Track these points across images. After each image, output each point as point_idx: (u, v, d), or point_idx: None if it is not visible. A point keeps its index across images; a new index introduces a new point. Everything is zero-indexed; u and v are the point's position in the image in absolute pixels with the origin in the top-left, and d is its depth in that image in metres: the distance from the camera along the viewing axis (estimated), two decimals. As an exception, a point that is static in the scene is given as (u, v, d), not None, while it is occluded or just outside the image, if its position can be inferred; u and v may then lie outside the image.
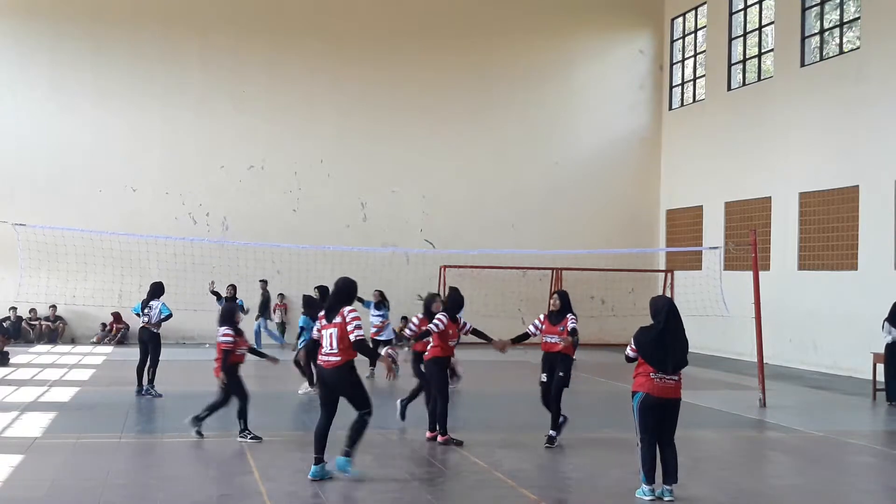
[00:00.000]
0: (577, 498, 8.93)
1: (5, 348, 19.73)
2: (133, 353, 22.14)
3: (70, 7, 25.48)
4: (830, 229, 21.50)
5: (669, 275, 27.26)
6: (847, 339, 20.40)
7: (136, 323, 24.66)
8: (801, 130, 22.56)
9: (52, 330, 24.73)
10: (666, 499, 8.68)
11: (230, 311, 11.67)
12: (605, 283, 26.80)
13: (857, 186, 20.71)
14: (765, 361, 15.91)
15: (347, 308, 9.12)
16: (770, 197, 23.47)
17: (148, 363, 14.90)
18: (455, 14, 27.54)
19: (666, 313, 8.88)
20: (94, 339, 24.85)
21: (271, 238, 24.56)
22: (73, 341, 24.95)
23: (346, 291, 9.36)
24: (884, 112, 20.11)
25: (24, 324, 24.54)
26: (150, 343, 14.95)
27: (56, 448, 10.62)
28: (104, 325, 25.05)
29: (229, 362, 11.27)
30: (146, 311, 14.96)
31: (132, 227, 23.36)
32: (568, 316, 11.09)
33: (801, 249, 22.36)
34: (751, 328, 15.83)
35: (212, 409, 11.32)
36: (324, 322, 9.23)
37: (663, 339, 8.78)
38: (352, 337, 8.99)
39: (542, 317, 11.36)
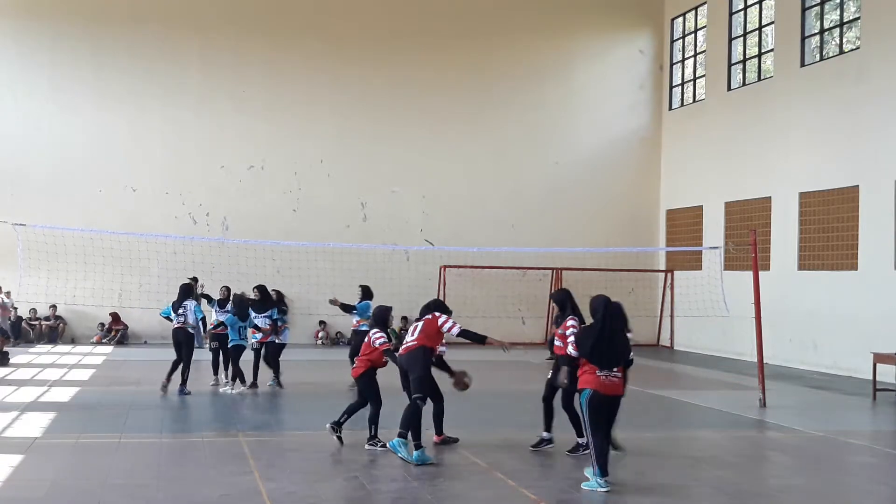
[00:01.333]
0: (577, 498, 8.93)
1: (5, 348, 19.74)
2: (134, 354, 22.27)
3: (70, 7, 25.47)
4: (830, 229, 21.50)
5: (669, 275, 27.28)
6: (847, 339, 20.40)
7: (136, 323, 25.01)
8: (801, 130, 22.56)
9: (52, 330, 24.73)
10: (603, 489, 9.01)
11: (383, 314, 11.23)
12: (605, 283, 26.71)
13: (857, 186, 20.71)
14: (765, 361, 15.91)
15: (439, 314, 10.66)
16: (770, 197, 23.47)
17: (182, 363, 15.29)
18: (455, 14, 27.54)
19: (603, 312, 9.17)
20: (94, 339, 24.85)
21: (271, 238, 24.53)
22: (73, 341, 24.95)
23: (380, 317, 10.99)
24: (884, 112, 20.11)
25: (24, 324, 24.54)
26: (186, 343, 15.31)
27: (56, 448, 10.62)
28: (102, 325, 25.05)
29: (369, 366, 10.91)
30: (180, 311, 15.30)
31: (132, 227, 23.38)
32: (568, 322, 10.44)
33: (801, 249, 22.36)
34: (751, 328, 15.82)
35: (350, 411, 11.00)
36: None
37: (602, 338, 9.09)
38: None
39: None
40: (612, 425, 9.33)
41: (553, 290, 11.03)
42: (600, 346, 9.08)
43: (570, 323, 10.36)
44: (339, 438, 10.89)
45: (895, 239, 19.66)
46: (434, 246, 25.32)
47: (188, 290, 15.66)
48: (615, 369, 9.12)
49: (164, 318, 15.83)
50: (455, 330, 10.58)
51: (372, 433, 10.83)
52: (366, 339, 11.04)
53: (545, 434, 11.07)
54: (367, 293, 16.60)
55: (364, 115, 26.82)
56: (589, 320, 9.57)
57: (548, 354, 22.85)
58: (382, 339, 10.80)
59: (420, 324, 10.71)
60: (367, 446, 10.77)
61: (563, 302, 10.82)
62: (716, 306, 20.51)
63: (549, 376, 10.98)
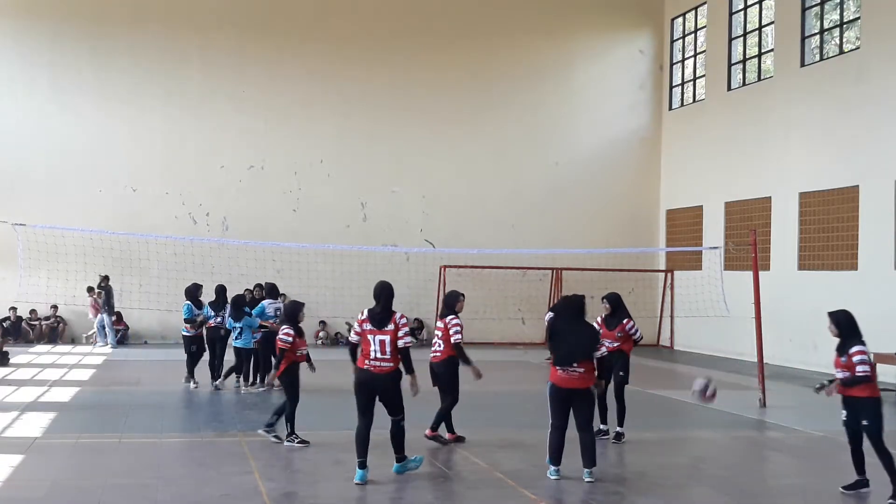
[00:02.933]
0: (577, 498, 8.93)
1: (5, 348, 19.74)
2: (133, 354, 22.25)
3: (70, 7, 25.46)
4: (830, 229, 21.50)
5: (669, 275, 27.28)
6: (847, 339, 20.36)
7: (136, 323, 24.98)
8: (801, 130, 22.56)
9: (53, 330, 24.72)
10: (586, 479, 9.30)
11: (294, 310, 11.47)
12: (605, 283, 26.66)
13: (857, 186, 20.70)
14: (765, 361, 15.91)
15: (398, 315, 9.23)
16: (770, 197, 23.47)
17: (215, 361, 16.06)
18: (455, 14, 27.54)
19: (570, 312, 9.62)
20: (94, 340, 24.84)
21: (271, 238, 24.54)
22: (73, 341, 24.95)
23: (391, 294, 9.37)
24: (884, 112, 20.10)
25: (24, 324, 24.54)
26: (220, 343, 16.17)
27: (56, 448, 10.62)
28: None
29: (290, 362, 11.10)
30: (221, 313, 16.11)
31: (132, 227, 23.36)
32: (625, 322, 11.61)
33: (801, 249, 22.36)
34: (751, 328, 15.83)
35: (280, 412, 11.13)
36: (370, 327, 9.18)
37: (561, 336, 9.51)
38: (401, 343, 9.17)
39: (598, 320, 11.70)
40: (585, 420, 9.41)
41: (606, 293, 11.50)
42: (559, 343, 9.48)
43: (628, 323, 11.58)
44: (278, 438, 11.01)
45: (895, 239, 19.66)
46: (434, 247, 25.32)
47: (223, 292, 16.41)
48: (574, 364, 9.33)
49: (207, 318, 16.09)
50: (455, 338, 11.14)
51: (289, 430, 10.94)
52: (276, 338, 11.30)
53: (619, 429, 11.67)
54: (271, 292, 16.58)
55: (364, 115, 26.81)
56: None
57: (547, 354, 22.97)
58: (287, 337, 11.06)
59: (440, 332, 11.36)
60: (286, 442, 10.90)
61: (617, 302, 11.70)
62: (716, 306, 20.53)
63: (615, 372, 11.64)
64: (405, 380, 9.25)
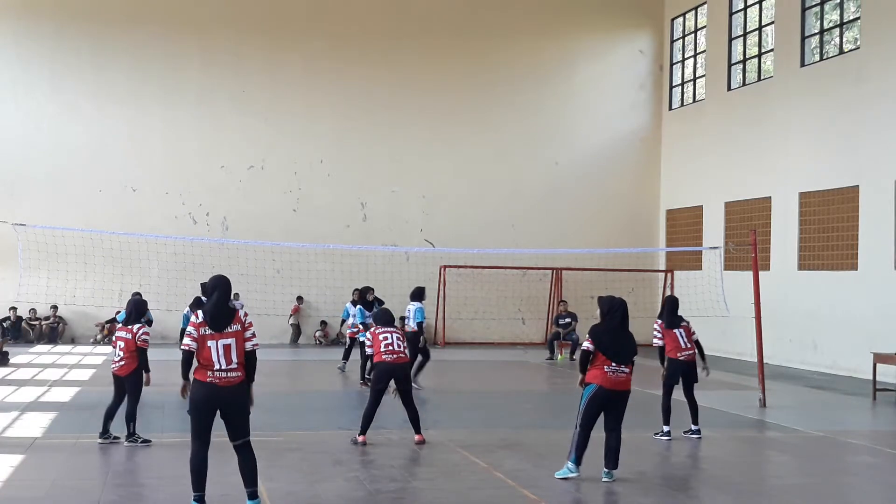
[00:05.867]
0: (578, 498, 8.92)
1: (5, 348, 19.74)
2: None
3: (70, 7, 25.48)
4: (830, 229, 21.50)
5: (669, 275, 27.27)
6: (847, 339, 20.40)
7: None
8: (801, 130, 22.56)
9: (53, 330, 24.72)
10: (604, 479, 9.29)
11: (142, 305, 11.34)
12: (605, 283, 26.75)
13: (857, 186, 20.71)
14: (765, 361, 15.92)
15: (242, 312, 7.81)
16: (770, 197, 23.47)
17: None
18: (455, 14, 27.55)
19: (621, 313, 9.49)
20: (93, 340, 24.85)
21: (271, 238, 24.54)
22: (73, 341, 24.95)
23: (228, 288, 7.88)
24: (884, 112, 20.10)
25: (24, 324, 24.54)
26: None
27: (56, 448, 10.61)
28: (102, 325, 25.01)
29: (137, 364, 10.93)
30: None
31: (132, 227, 23.37)
32: (683, 324, 12.20)
33: (801, 249, 22.36)
34: (751, 328, 15.83)
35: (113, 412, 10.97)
36: (209, 331, 7.67)
37: (621, 334, 9.42)
38: (248, 346, 7.78)
39: (659, 322, 12.19)
40: (619, 421, 9.40)
41: (666, 294, 12.06)
42: (616, 341, 9.36)
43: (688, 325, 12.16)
44: (116, 438, 10.84)
45: (895, 239, 19.66)
46: (434, 247, 25.32)
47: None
48: (623, 366, 9.31)
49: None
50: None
51: (131, 430, 10.81)
52: (130, 336, 10.88)
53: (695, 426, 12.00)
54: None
55: (364, 115, 26.82)
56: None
57: (547, 354, 22.98)
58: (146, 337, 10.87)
59: (399, 333, 11.32)
60: (126, 443, 10.74)
61: (675, 305, 12.25)
62: (716, 306, 20.50)
63: (663, 374, 12.04)
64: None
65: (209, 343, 7.57)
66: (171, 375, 17.04)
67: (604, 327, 9.46)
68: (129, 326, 10.98)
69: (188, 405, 7.70)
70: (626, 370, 9.35)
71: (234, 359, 7.58)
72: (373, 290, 18.20)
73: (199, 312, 7.68)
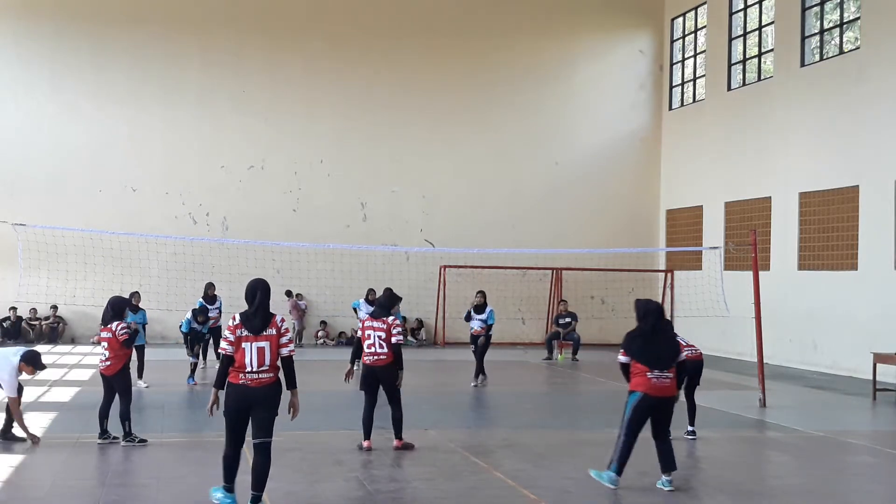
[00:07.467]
0: (577, 498, 8.92)
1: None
2: (133, 354, 22.19)
3: (70, 7, 25.48)
4: (830, 229, 21.50)
5: (669, 275, 27.27)
6: (847, 339, 20.40)
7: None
8: (801, 130, 22.56)
9: (53, 330, 24.72)
10: (666, 489, 9.09)
11: (120, 304, 11.31)
12: (605, 283, 26.81)
13: (857, 186, 20.71)
14: (765, 361, 15.92)
15: (279, 317, 8.01)
16: (770, 197, 23.47)
17: None
18: (455, 14, 27.55)
19: (655, 315, 9.26)
20: (93, 340, 24.84)
21: (271, 238, 24.54)
22: (73, 341, 24.95)
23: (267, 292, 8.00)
24: (884, 112, 20.10)
25: (24, 324, 24.55)
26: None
27: (56, 448, 10.61)
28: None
29: (126, 361, 11.04)
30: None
31: (132, 227, 23.37)
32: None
33: (801, 249, 22.36)
34: (751, 328, 15.83)
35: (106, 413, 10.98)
36: (245, 333, 7.83)
37: (654, 339, 9.14)
38: (284, 351, 7.91)
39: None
40: (667, 428, 9.26)
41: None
42: (652, 345, 9.13)
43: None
44: (115, 438, 10.84)
45: (895, 239, 19.66)
46: (434, 247, 25.32)
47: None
48: (666, 370, 9.11)
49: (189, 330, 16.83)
50: (396, 339, 10.69)
51: (127, 430, 10.79)
52: (111, 335, 10.91)
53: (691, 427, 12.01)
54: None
55: (364, 115, 26.82)
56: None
57: (545, 354, 22.97)
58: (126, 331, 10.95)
59: (382, 334, 10.66)
60: (123, 443, 10.72)
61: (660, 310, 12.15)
62: (716, 306, 20.52)
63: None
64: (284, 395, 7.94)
65: (244, 345, 7.74)
66: (172, 375, 17.12)
67: (636, 333, 9.25)
68: (109, 325, 10.99)
69: (222, 407, 7.86)
70: (669, 375, 9.11)
71: (267, 362, 7.75)
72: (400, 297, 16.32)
73: (237, 315, 7.87)
